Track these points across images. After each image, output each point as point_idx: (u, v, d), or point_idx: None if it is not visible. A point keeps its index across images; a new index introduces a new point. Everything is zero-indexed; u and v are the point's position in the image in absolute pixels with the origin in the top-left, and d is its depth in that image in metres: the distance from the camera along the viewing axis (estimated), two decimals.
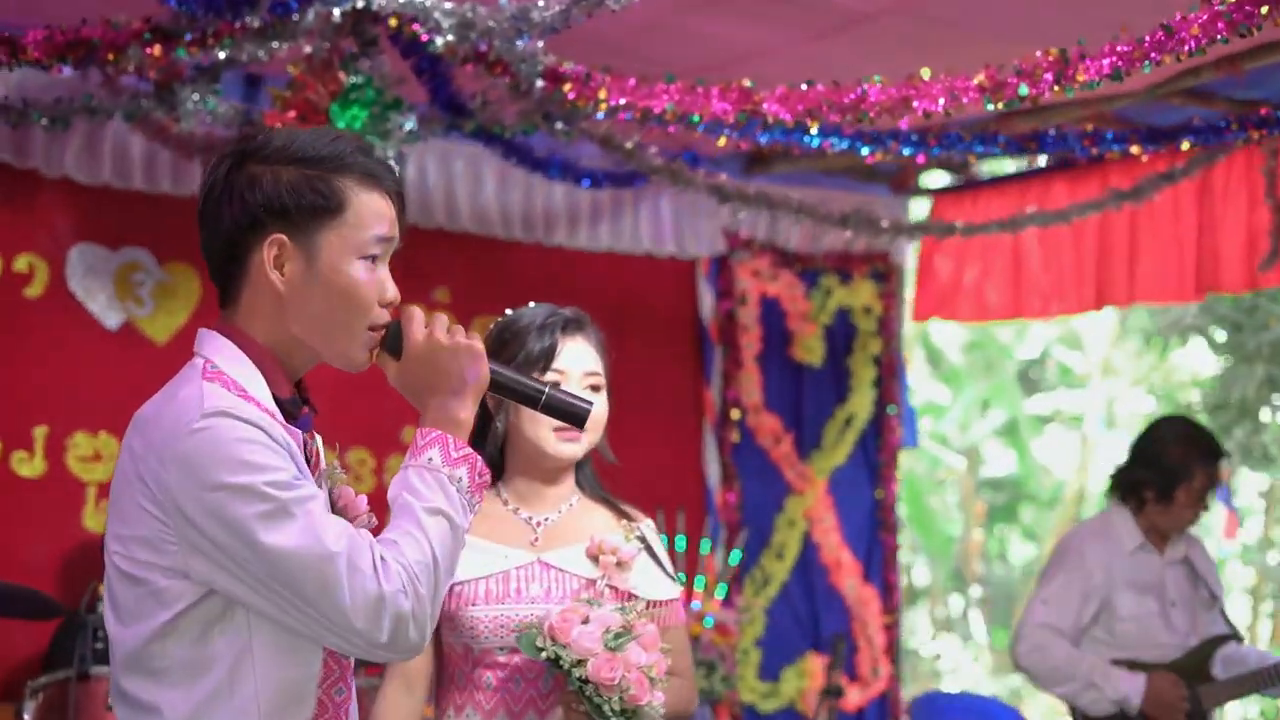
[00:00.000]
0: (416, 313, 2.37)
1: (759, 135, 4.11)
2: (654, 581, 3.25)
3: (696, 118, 3.76)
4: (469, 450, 2.34)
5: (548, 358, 3.25)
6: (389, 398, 6.06)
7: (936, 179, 7.43)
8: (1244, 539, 12.83)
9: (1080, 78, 3.28)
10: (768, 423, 6.90)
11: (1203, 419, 12.38)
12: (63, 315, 5.65)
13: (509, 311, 3.38)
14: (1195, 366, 13.42)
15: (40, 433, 5.58)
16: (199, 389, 2.24)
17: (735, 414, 6.82)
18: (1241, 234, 5.96)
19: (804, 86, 3.67)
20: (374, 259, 2.32)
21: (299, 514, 2.17)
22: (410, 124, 4.31)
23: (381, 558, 2.20)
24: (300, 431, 2.36)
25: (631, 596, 3.19)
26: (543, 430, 3.22)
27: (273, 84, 5.33)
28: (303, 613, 2.18)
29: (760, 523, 6.88)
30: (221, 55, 4.11)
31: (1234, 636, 5.11)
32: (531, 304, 3.40)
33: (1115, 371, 14.43)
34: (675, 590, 3.30)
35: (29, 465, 5.55)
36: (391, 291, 2.35)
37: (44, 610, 4.51)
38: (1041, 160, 6.93)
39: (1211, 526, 12.51)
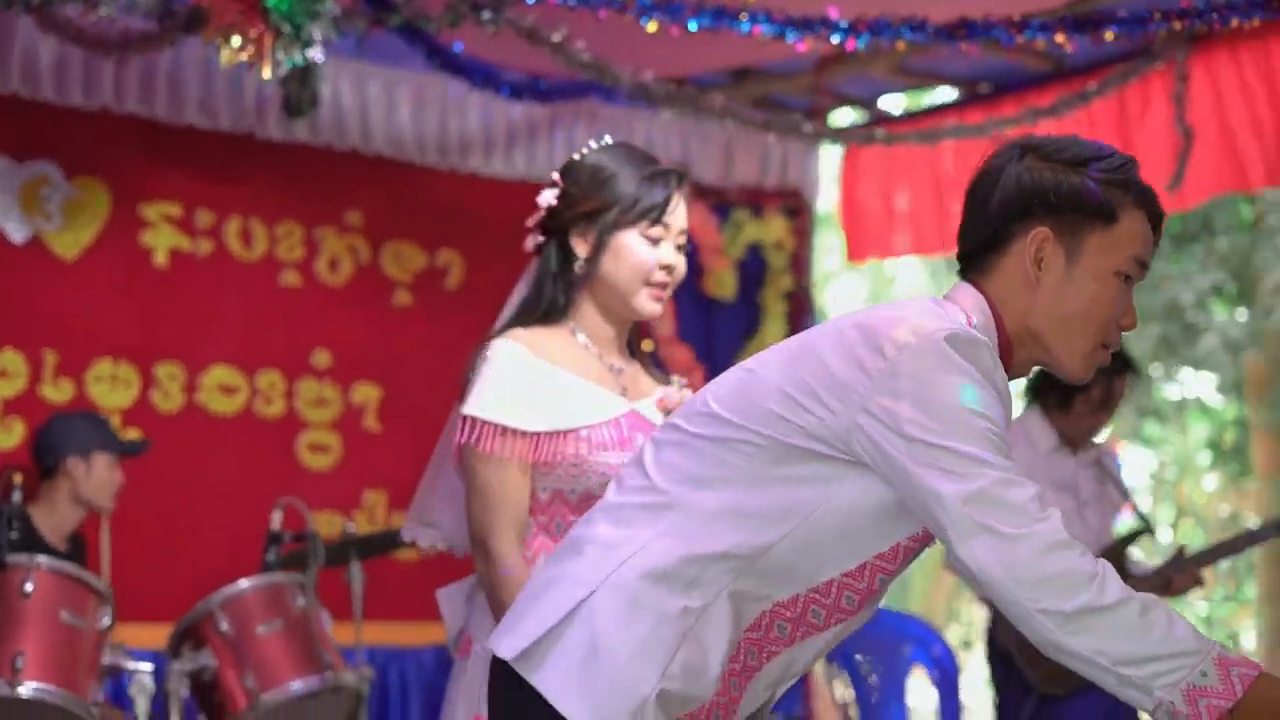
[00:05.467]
0: None
1: (690, 20, 4.10)
2: None
3: None
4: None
5: (663, 211, 3.02)
6: (303, 320, 6.18)
7: (846, 117, 7.48)
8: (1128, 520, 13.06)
9: None
10: (679, 355, 6.89)
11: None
12: None
13: (589, 148, 3.10)
14: None
15: None
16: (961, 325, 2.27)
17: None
18: (1156, 158, 6.03)
19: None
20: (1127, 278, 2.31)
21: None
22: (335, 9, 4.27)
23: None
24: None
25: None
26: (636, 284, 3.02)
27: None
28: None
29: None
30: None
31: (1147, 529, 5.30)
32: (606, 140, 3.13)
33: None
34: None
35: None
36: (1130, 317, 2.34)
37: None
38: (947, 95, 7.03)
39: None
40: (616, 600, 2.25)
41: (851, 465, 2.25)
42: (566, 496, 2.99)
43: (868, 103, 7.20)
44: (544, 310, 3.05)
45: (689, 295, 6.95)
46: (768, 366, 2.34)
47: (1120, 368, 5.18)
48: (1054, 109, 5.65)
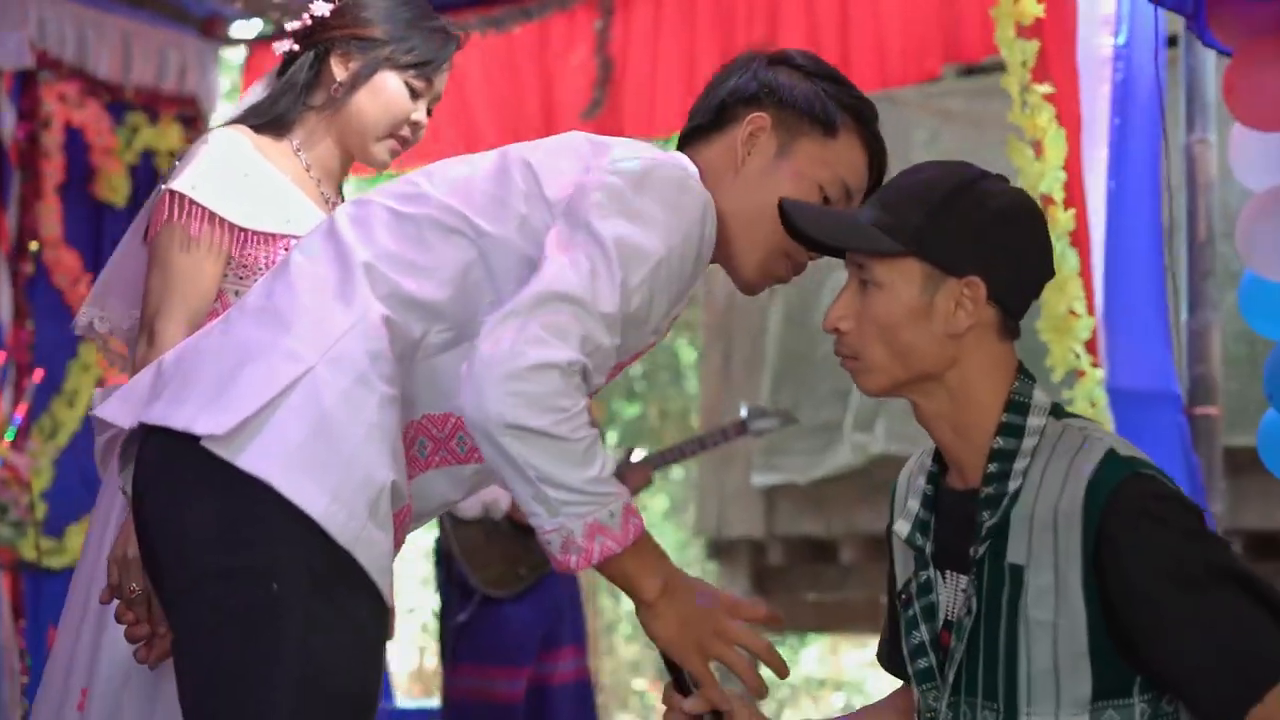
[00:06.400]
0: None
1: None
2: None
3: None
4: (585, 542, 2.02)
5: (436, 68, 2.86)
6: None
7: (249, 29, 7.20)
8: None
9: None
10: (67, 260, 6.38)
11: None
12: None
13: None
14: None
15: None
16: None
17: (33, 245, 6.26)
18: (576, 86, 6.13)
19: None
20: (827, 199, 2.28)
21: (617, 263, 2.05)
22: None
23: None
24: None
25: None
26: (382, 129, 2.85)
27: None
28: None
29: (53, 366, 6.34)
30: None
31: None
32: None
33: None
34: None
35: None
36: (804, 255, 2.30)
37: None
38: None
39: None
40: (342, 377, 2.02)
41: None
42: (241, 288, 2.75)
43: (279, 14, 6.93)
44: (270, 119, 2.85)
45: (78, 197, 6.49)
46: (498, 164, 2.21)
47: None
48: (497, 21, 5.66)
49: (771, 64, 2.33)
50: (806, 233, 2.19)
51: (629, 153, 2.18)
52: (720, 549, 7.13)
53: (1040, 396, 2.16)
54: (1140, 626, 2.03)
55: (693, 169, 2.23)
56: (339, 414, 2.01)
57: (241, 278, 2.75)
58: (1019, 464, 2.11)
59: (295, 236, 2.74)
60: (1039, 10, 4.00)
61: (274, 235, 2.75)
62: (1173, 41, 4.71)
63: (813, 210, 2.24)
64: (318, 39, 2.86)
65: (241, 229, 2.74)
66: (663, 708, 2.18)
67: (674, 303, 2.16)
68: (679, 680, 2.15)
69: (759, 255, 2.29)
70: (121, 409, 2.16)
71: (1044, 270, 2.21)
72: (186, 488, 2.04)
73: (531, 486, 1.97)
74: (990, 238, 2.13)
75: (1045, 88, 4.08)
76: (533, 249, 2.12)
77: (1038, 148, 4.14)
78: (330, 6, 2.88)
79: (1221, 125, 4.54)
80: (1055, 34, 4.21)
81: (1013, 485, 2.10)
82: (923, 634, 2.19)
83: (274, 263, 2.72)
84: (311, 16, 2.88)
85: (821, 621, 7.33)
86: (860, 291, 2.16)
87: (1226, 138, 4.59)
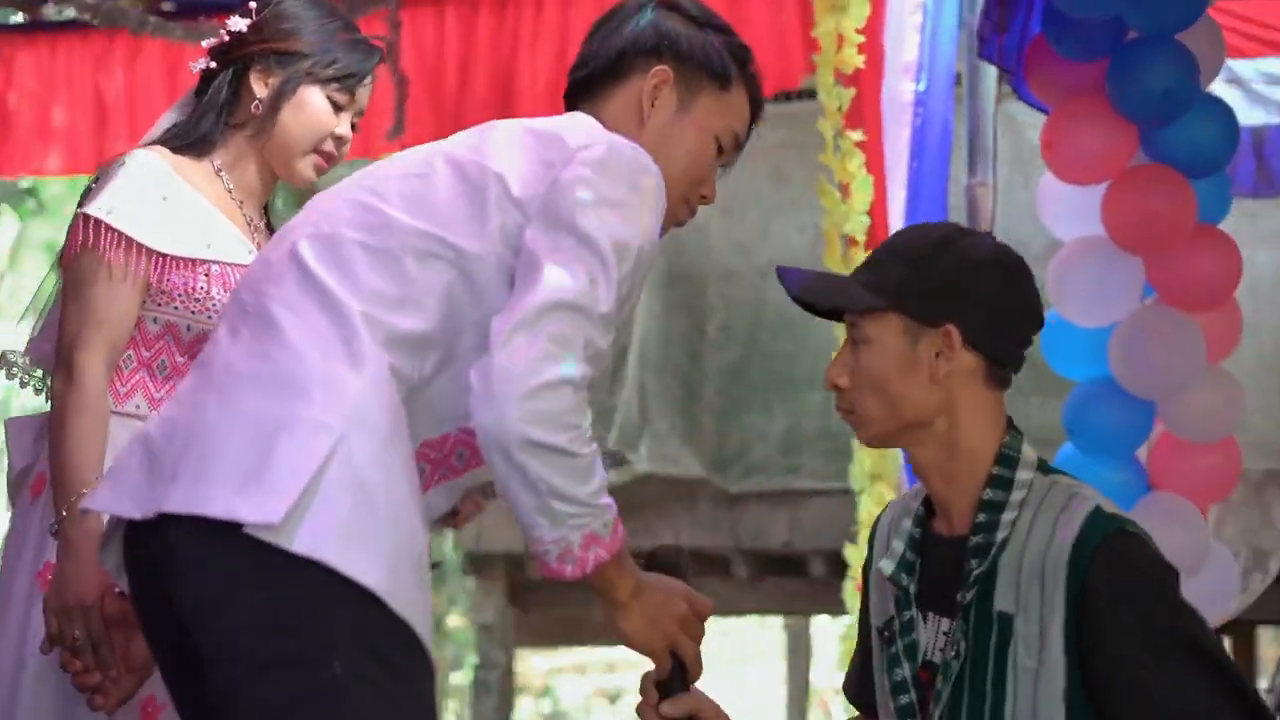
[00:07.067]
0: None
1: None
2: None
3: None
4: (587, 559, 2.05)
5: (359, 80, 2.75)
6: None
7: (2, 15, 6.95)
8: None
9: None
10: None
11: None
12: None
13: None
14: None
15: None
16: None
17: None
18: (377, 104, 6.05)
19: None
20: (720, 150, 2.33)
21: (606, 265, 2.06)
22: None
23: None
24: None
25: None
26: (307, 144, 2.74)
27: None
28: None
29: None
30: None
31: None
32: None
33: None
34: None
35: None
36: (710, 190, 2.36)
37: None
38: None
39: None
40: (370, 440, 1.98)
41: None
42: (180, 334, 2.65)
43: (30, 5, 6.70)
44: (192, 141, 2.75)
45: None
46: (453, 173, 2.14)
47: None
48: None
49: (661, 11, 2.34)
50: (803, 299, 2.31)
51: (584, 138, 2.16)
52: (478, 562, 7.13)
53: (1028, 452, 2.27)
54: (1109, 683, 2.15)
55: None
56: (375, 480, 1.97)
57: (160, 304, 2.64)
58: (1007, 515, 2.21)
59: (216, 262, 2.65)
60: (859, 61, 4.16)
61: (194, 260, 2.65)
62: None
63: (806, 276, 2.33)
64: (235, 55, 2.77)
65: (160, 254, 2.63)
66: None
67: (638, 289, 2.18)
68: (669, 680, 2.19)
69: (667, 206, 2.27)
70: (118, 497, 2.04)
71: (1028, 318, 2.30)
72: (230, 577, 1.95)
73: (540, 500, 1.98)
74: (964, 286, 2.24)
75: (858, 134, 4.24)
76: (510, 254, 2.10)
77: (845, 190, 4.30)
78: (247, 22, 2.79)
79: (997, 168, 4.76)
80: (868, 80, 4.38)
81: (1000, 535, 2.21)
82: (905, 671, 2.29)
83: (194, 289, 2.63)
84: (229, 32, 2.78)
85: (574, 635, 7.42)
86: (854, 349, 2.28)
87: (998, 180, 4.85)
